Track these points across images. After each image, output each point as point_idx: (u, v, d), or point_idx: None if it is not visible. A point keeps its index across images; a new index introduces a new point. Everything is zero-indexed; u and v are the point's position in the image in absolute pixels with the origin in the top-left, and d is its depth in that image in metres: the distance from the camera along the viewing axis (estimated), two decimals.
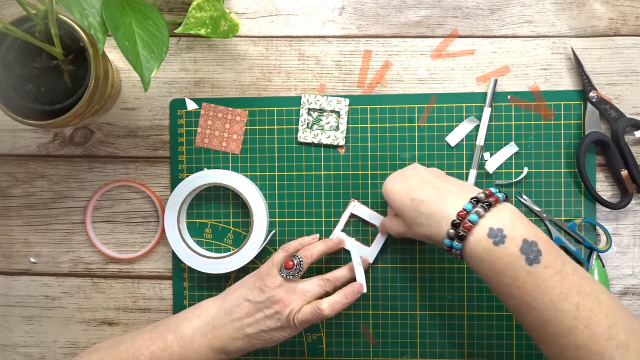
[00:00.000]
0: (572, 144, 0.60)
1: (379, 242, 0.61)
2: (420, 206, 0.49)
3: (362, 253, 0.60)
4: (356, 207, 0.61)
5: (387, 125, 0.62)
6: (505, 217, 0.45)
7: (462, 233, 0.45)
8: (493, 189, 0.48)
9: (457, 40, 0.62)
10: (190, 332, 0.53)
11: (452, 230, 0.46)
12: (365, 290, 0.56)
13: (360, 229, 0.62)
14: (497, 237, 0.44)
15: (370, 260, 0.61)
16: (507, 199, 0.48)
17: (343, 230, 0.61)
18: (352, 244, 0.61)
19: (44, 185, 0.65)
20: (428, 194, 0.49)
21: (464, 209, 0.46)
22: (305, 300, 0.54)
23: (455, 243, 0.46)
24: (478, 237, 0.45)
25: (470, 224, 0.45)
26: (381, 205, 0.61)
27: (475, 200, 0.46)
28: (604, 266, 0.60)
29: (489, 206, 0.45)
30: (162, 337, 0.53)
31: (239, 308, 0.53)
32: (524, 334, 0.61)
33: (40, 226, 0.65)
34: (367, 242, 0.61)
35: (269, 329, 0.53)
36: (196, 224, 0.63)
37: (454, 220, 0.46)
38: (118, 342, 0.54)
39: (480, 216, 0.45)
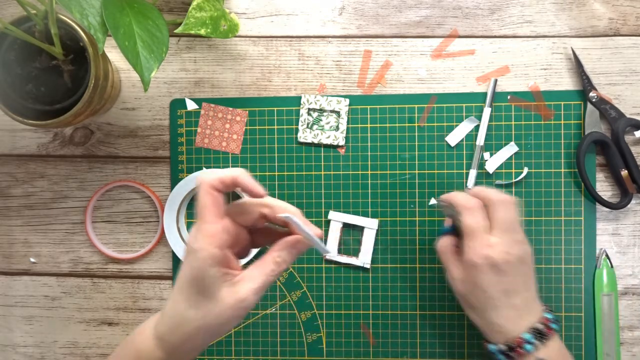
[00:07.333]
0: (572, 144, 0.60)
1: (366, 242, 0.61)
2: (489, 306, 0.49)
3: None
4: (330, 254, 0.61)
5: (387, 125, 0.62)
6: (553, 351, 0.48)
7: (512, 355, 0.48)
8: (550, 316, 0.49)
9: (457, 40, 0.62)
10: None
11: (503, 347, 0.49)
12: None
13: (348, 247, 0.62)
14: None
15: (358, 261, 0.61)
16: (557, 322, 0.50)
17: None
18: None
19: (44, 185, 0.65)
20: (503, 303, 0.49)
21: (522, 338, 0.48)
22: None
23: (501, 356, 0.49)
24: None
25: (523, 351, 0.47)
26: (381, 205, 0.61)
27: (534, 332, 0.48)
28: (612, 267, 0.60)
29: (544, 340, 0.48)
30: None
31: None
32: None
33: (40, 226, 0.65)
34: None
35: None
36: None
37: (510, 345, 0.48)
38: None
39: (535, 347, 0.48)
